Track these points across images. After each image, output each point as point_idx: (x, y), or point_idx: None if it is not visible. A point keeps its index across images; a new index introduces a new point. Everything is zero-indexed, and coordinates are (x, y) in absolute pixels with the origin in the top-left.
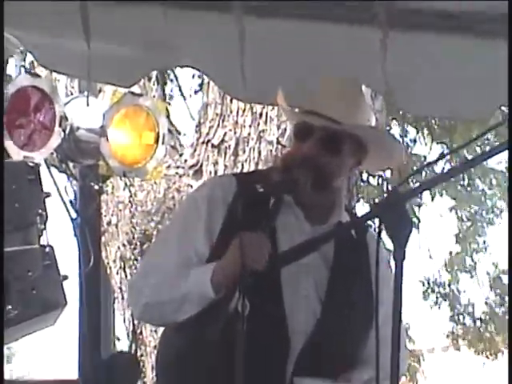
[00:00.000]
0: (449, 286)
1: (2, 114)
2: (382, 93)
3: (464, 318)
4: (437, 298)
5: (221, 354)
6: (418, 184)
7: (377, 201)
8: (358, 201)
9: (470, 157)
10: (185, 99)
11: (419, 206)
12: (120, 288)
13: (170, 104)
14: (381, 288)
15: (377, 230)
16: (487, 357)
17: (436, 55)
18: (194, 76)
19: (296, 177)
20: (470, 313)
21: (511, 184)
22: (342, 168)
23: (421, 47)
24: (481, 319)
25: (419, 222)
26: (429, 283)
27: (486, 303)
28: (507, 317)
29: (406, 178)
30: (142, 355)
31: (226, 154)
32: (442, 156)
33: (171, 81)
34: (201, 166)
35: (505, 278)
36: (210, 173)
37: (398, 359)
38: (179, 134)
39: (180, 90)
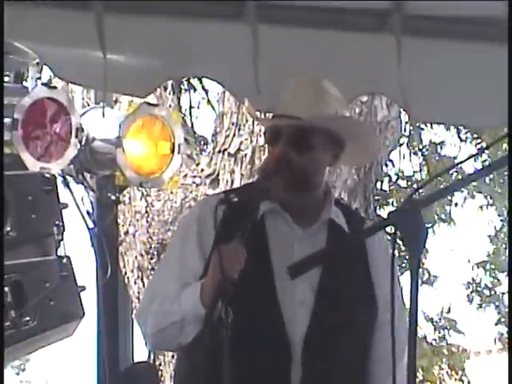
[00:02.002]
0: (492, 288)
1: (2, 113)
2: (398, 102)
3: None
4: (481, 300)
5: (218, 364)
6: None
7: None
8: (383, 206)
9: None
10: (213, 108)
11: (455, 205)
12: (138, 298)
13: (190, 113)
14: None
15: (391, 237)
16: None
17: (448, 62)
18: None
19: (274, 182)
20: None
21: (511, 185)
22: (317, 164)
23: (434, 54)
24: None
25: (453, 222)
26: (472, 286)
27: None
28: None
29: (431, 179)
30: (160, 364)
31: (242, 162)
32: (469, 156)
33: (194, 89)
34: (217, 174)
35: None
36: (227, 182)
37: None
38: (206, 143)
39: (207, 96)
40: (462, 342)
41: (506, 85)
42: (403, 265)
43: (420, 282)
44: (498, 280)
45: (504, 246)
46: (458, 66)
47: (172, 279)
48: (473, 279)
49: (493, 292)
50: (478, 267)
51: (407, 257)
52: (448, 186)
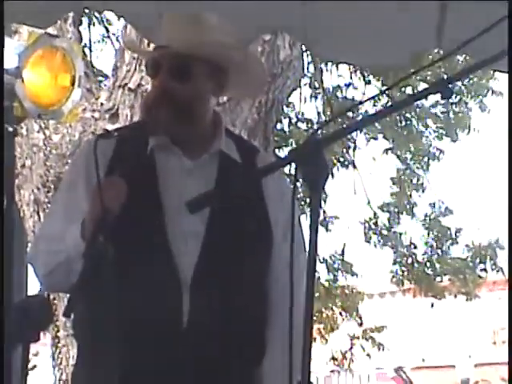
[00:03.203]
0: (389, 228)
1: (3, 112)
2: (302, 41)
3: (407, 260)
4: (379, 240)
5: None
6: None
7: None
8: (282, 147)
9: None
10: (112, 42)
11: (354, 148)
12: (33, 232)
13: (91, 48)
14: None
15: (293, 175)
16: (434, 296)
17: (356, 2)
18: (119, 19)
19: (157, 114)
20: (412, 254)
21: (511, 181)
22: (199, 93)
23: None
24: (423, 261)
25: (354, 165)
26: (369, 226)
27: (427, 243)
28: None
29: (331, 120)
30: (54, 298)
31: (142, 97)
32: (371, 97)
33: (98, 23)
34: (117, 109)
35: (443, 220)
36: (127, 116)
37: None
38: (105, 77)
39: (107, 32)
40: (356, 283)
41: (410, 25)
42: (300, 206)
43: None
44: (397, 220)
45: (407, 188)
46: (365, 4)
47: (59, 220)
48: (370, 218)
49: (391, 232)
50: (380, 210)
51: (306, 198)
52: (348, 126)
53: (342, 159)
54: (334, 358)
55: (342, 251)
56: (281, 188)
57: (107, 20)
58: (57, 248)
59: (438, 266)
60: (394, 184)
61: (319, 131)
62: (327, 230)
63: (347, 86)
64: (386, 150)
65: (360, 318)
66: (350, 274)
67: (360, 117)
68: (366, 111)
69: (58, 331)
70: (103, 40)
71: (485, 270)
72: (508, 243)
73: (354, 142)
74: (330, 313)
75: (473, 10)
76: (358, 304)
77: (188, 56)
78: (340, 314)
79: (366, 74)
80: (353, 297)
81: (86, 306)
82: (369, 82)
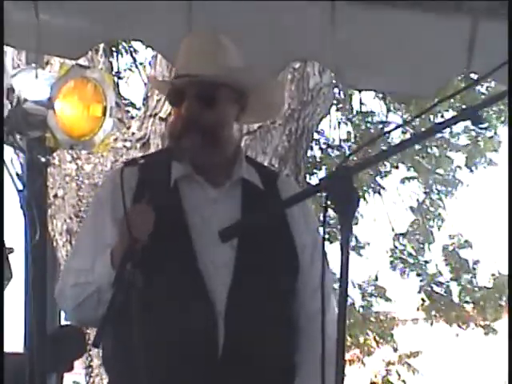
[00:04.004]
0: (415, 256)
1: (3, 112)
2: (331, 68)
3: (432, 288)
4: (404, 267)
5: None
6: (372, 155)
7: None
8: (314, 173)
9: (425, 128)
10: (139, 72)
11: (381, 175)
12: (71, 258)
13: (120, 77)
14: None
15: (323, 203)
16: (459, 326)
17: (382, 29)
18: (146, 48)
19: (182, 142)
20: (438, 283)
21: (511, 183)
22: (223, 118)
23: (368, 21)
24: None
25: (379, 192)
26: (395, 253)
27: (449, 276)
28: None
29: (358, 149)
30: (87, 328)
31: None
32: (397, 126)
33: (125, 53)
34: (148, 139)
35: (462, 252)
36: (158, 146)
37: (345, 328)
38: (134, 107)
39: (134, 62)
40: (390, 309)
41: (439, 54)
42: (332, 234)
43: None
44: (422, 249)
45: (427, 217)
46: (392, 33)
47: (86, 251)
48: (395, 247)
49: (416, 260)
50: (401, 237)
51: (337, 227)
52: (379, 154)
53: (369, 186)
54: (373, 383)
55: (376, 277)
56: (304, 211)
57: (134, 50)
58: (85, 280)
59: (460, 295)
60: (414, 213)
61: (349, 159)
62: (359, 255)
63: (372, 112)
64: (407, 179)
65: (395, 343)
66: (383, 300)
67: (383, 143)
68: (388, 136)
69: (91, 361)
70: (130, 69)
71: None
72: (508, 244)
73: (379, 170)
74: (366, 338)
75: (503, 34)
76: (393, 329)
77: (211, 82)
78: (375, 339)
79: (389, 101)
80: (387, 322)
81: (116, 336)
82: (394, 109)
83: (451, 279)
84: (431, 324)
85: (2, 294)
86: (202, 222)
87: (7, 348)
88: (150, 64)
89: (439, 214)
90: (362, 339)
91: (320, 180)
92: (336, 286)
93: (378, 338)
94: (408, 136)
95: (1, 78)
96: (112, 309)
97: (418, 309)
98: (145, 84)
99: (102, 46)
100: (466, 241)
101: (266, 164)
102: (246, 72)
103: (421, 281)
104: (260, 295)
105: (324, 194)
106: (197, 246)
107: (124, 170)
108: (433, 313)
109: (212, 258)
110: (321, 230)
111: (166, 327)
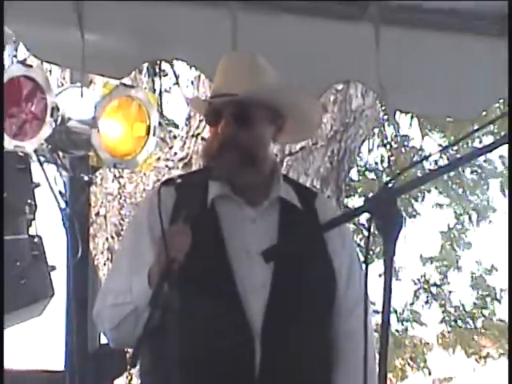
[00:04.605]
0: (439, 285)
1: (3, 112)
2: (374, 90)
3: (454, 319)
4: (427, 297)
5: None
6: (411, 179)
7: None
8: (350, 196)
9: (462, 152)
10: (182, 91)
11: (416, 199)
12: (110, 278)
13: (163, 97)
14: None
15: (367, 225)
16: (477, 361)
17: (427, 53)
18: (191, 68)
19: (219, 161)
20: (460, 314)
21: (511, 183)
22: (260, 138)
23: (413, 45)
24: (470, 321)
25: (418, 214)
26: (420, 282)
27: (475, 304)
28: (494, 318)
29: (400, 173)
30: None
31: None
32: (442, 149)
33: (168, 73)
34: (190, 158)
35: (488, 279)
36: (199, 166)
37: (386, 352)
38: (177, 127)
39: (177, 81)
40: (422, 334)
41: (483, 78)
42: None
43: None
44: (446, 277)
45: (455, 243)
46: (436, 57)
47: (124, 272)
48: (422, 276)
49: (439, 290)
50: (428, 262)
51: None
52: (422, 177)
53: (406, 211)
54: None
55: (412, 301)
56: (341, 230)
57: (177, 70)
58: (123, 300)
59: (481, 326)
60: (442, 239)
61: (392, 181)
62: (397, 279)
63: (409, 136)
64: (439, 205)
65: (428, 368)
66: (418, 324)
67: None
68: (427, 159)
69: (131, 379)
70: (173, 89)
71: None
72: (508, 247)
73: (416, 195)
74: (400, 362)
75: None
76: (426, 354)
77: (247, 102)
78: (408, 363)
79: (426, 125)
80: (421, 347)
81: (153, 355)
82: (430, 133)
83: (476, 307)
84: (453, 351)
85: (2, 294)
86: (240, 242)
87: (49, 366)
88: (192, 84)
89: (468, 241)
90: (395, 363)
91: (364, 201)
92: (374, 307)
93: (411, 363)
94: (444, 160)
95: (1, 79)
96: (148, 329)
97: (441, 336)
98: (187, 104)
99: (145, 65)
100: (493, 267)
101: (307, 185)
102: (282, 92)
103: (443, 312)
104: (296, 315)
105: (366, 216)
106: (234, 266)
107: (161, 189)
108: (453, 340)
109: (249, 277)
110: (360, 249)
111: (202, 346)
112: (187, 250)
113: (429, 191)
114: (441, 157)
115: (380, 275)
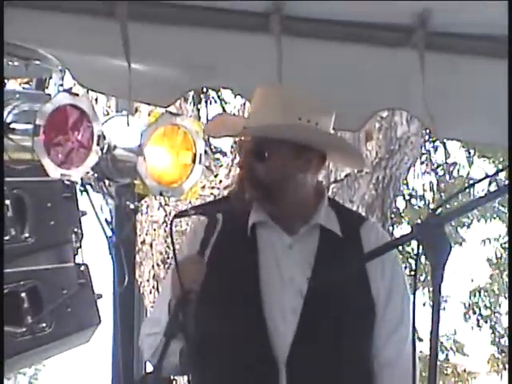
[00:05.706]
0: (490, 308)
1: (3, 112)
2: (419, 118)
3: (505, 341)
4: (478, 320)
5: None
6: (459, 206)
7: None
8: (396, 223)
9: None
10: None
11: (464, 226)
12: (153, 307)
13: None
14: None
15: (415, 251)
16: None
17: (474, 80)
18: (235, 96)
19: (241, 192)
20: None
21: (511, 188)
22: (279, 172)
23: (459, 71)
24: None
25: (464, 241)
26: (470, 305)
27: None
28: None
29: (448, 200)
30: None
31: None
32: (483, 178)
33: (214, 101)
34: None
35: None
36: None
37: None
38: (224, 155)
39: (223, 109)
40: (464, 362)
41: None
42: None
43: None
44: (497, 302)
45: (503, 270)
46: (483, 84)
47: (161, 302)
48: (472, 301)
49: (490, 312)
50: (477, 290)
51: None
52: (469, 203)
53: (452, 238)
54: None
55: (454, 331)
56: (382, 257)
57: (223, 99)
58: (157, 330)
59: None
60: (491, 266)
61: (440, 207)
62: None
63: (456, 163)
64: (488, 235)
65: None
66: (461, 354)
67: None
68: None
69: None
70: None
71: None
72: (508, 248)
73: (462, 222)
74: None
75: None
76: (468, 382)
77: (262, 137)
78: None
79: (473, 152)
80: (464, 376)
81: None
82: (478, 160)
83: None
84: (501, 378)
85: (2, 294)
86: (273, 268)
87: None
88: (238, 112)
89: None
90: None
91: (411, 228)
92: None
93: None
94: (493, 187)
95: (1, 83)
96: (162, 358)
97: (488, 362)
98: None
99: (190, 93)
100: None
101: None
102: (294, 128)
103: (492, 333)
104: (327, 344)
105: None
106: (264, 291)
107: (201, 220)
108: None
109: (280, 303)
110: (406, 276)
111: (228, 372)
112: (201, 278)
113: (479, 220)
114: (489, 184)
115: (424, 304)
